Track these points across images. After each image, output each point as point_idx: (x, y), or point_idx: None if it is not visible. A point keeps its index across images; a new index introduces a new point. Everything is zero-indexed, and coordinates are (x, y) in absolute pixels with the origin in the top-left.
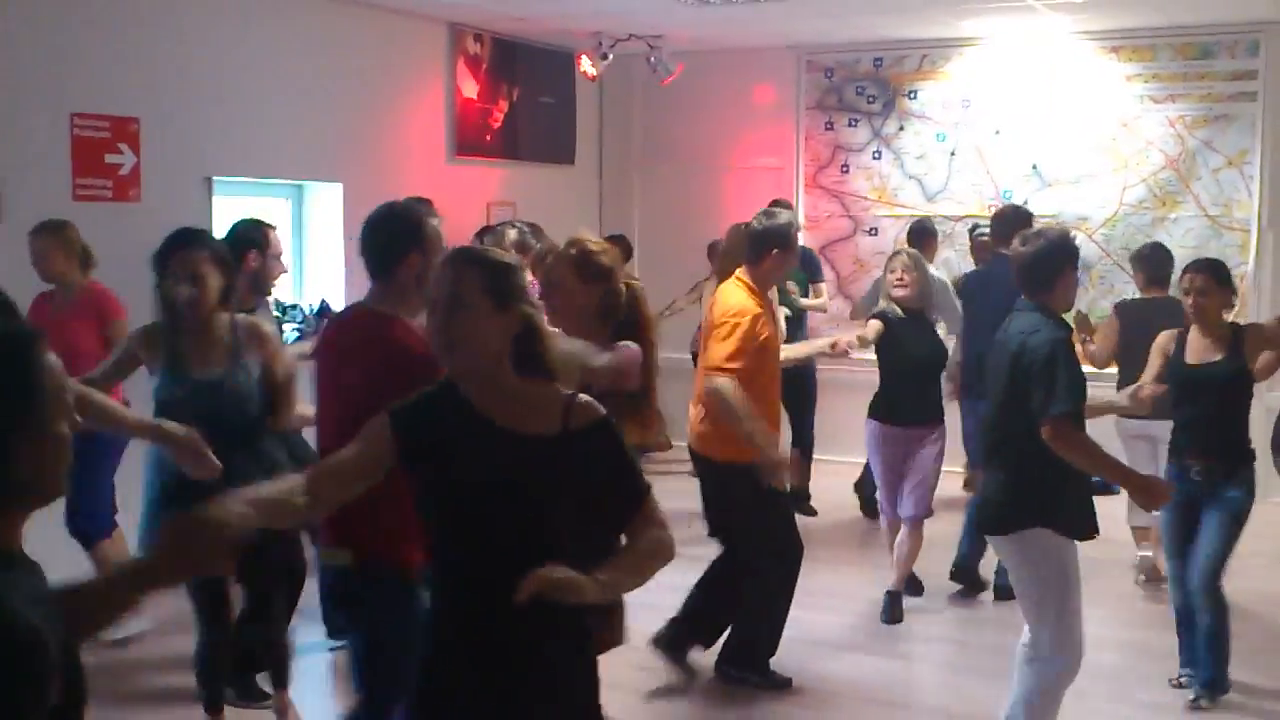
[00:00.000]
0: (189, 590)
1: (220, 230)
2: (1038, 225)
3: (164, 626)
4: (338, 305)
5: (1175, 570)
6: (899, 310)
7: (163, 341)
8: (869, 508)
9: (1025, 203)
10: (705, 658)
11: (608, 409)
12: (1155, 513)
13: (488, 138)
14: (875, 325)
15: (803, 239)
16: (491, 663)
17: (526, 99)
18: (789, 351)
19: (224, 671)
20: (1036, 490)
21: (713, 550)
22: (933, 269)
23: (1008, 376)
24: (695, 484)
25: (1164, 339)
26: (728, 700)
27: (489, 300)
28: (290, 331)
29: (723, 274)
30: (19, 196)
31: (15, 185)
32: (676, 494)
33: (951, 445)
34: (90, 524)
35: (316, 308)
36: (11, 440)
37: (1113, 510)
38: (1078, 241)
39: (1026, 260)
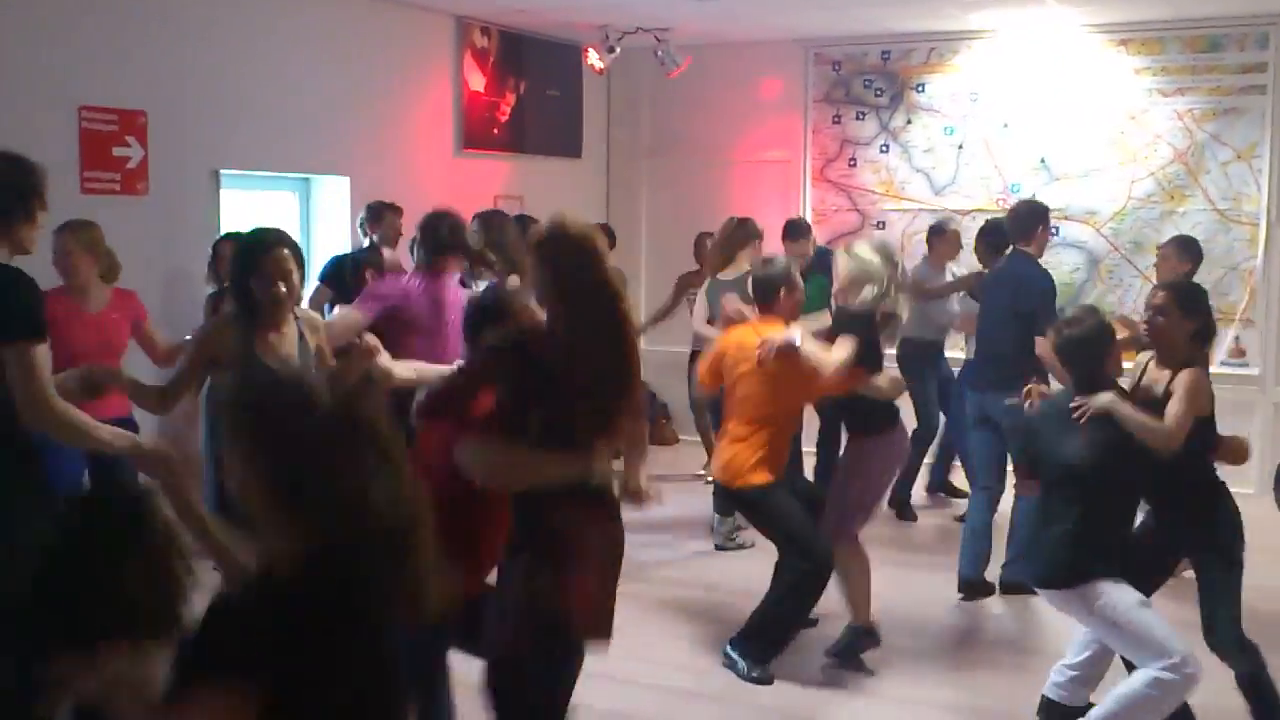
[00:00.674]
0: None
1: (228, 224)
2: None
3: None
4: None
5: None
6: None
7: (239, 337)
8: (903, 510)
9: (1034, 197)
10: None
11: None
12: None
13: (495, 131)
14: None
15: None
16: None
17: (534, 92)
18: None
19: None
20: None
21: None
22: (953, 268)
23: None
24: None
25: (1144, 356)
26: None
27: None
28: None
29: (715, 266)
30: None
31: None
32: (683, 504)
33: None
34: None
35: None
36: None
37: None
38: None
39: (1075, 342)
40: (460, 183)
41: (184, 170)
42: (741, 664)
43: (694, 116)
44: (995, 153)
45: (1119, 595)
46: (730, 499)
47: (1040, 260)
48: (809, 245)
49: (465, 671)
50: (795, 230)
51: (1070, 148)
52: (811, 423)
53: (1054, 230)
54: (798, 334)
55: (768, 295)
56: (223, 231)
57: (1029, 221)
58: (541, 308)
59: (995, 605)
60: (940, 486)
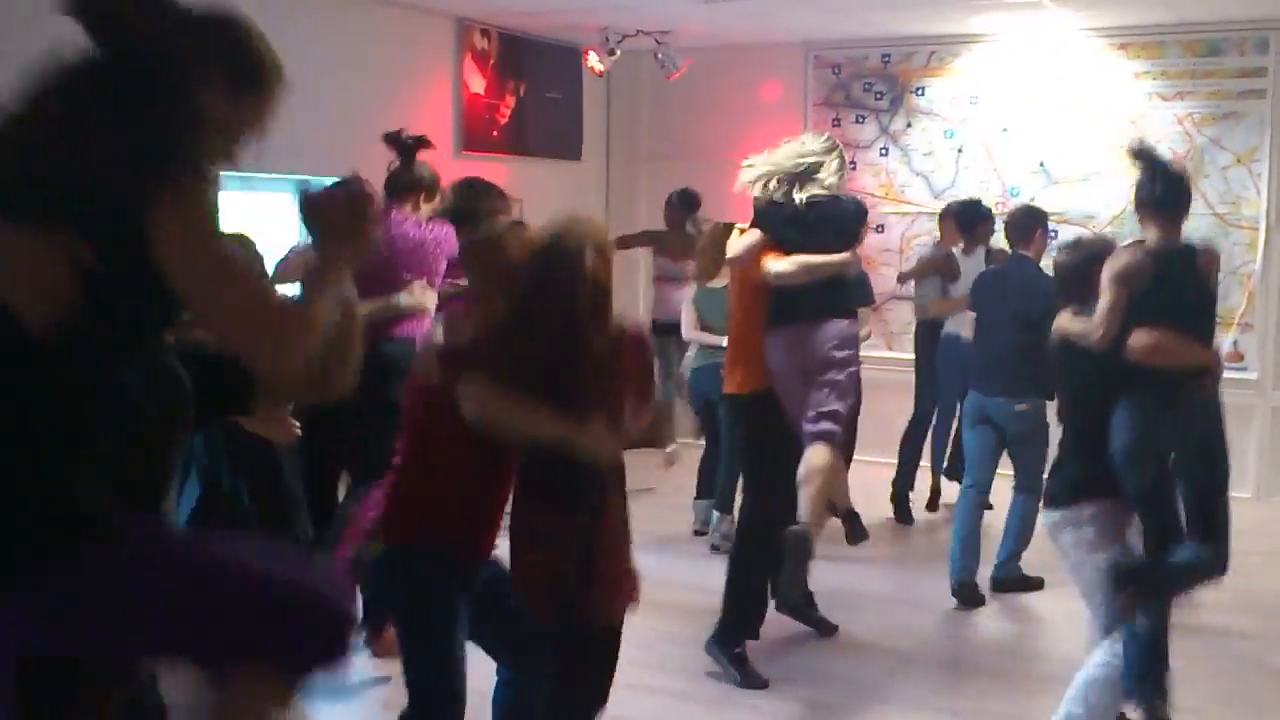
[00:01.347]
0: None
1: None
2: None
3: None
4: None
5: None
6: None
7: None
8: (902, 511)
9: (1033, 200)
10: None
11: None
12: None
13: (495, 133)
14: None
15: None
16: None
17: (534, 94)
18: None
19: None
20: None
21: None
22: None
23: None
24: None
25: None
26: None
27: None
28: None
29: (703, 273)
30: None
31: None
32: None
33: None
34: None
35: None
36: None
37: None
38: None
39: (1066, 268)
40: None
41: None
42: (732, 671)
43: (694, 119)
44: (995, 156)
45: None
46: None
47: (1040, 264)
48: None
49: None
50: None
51: (1070, 151)
52: None
53: (1053, 233)
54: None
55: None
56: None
57: (1027, 224)
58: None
59: (998, 609)
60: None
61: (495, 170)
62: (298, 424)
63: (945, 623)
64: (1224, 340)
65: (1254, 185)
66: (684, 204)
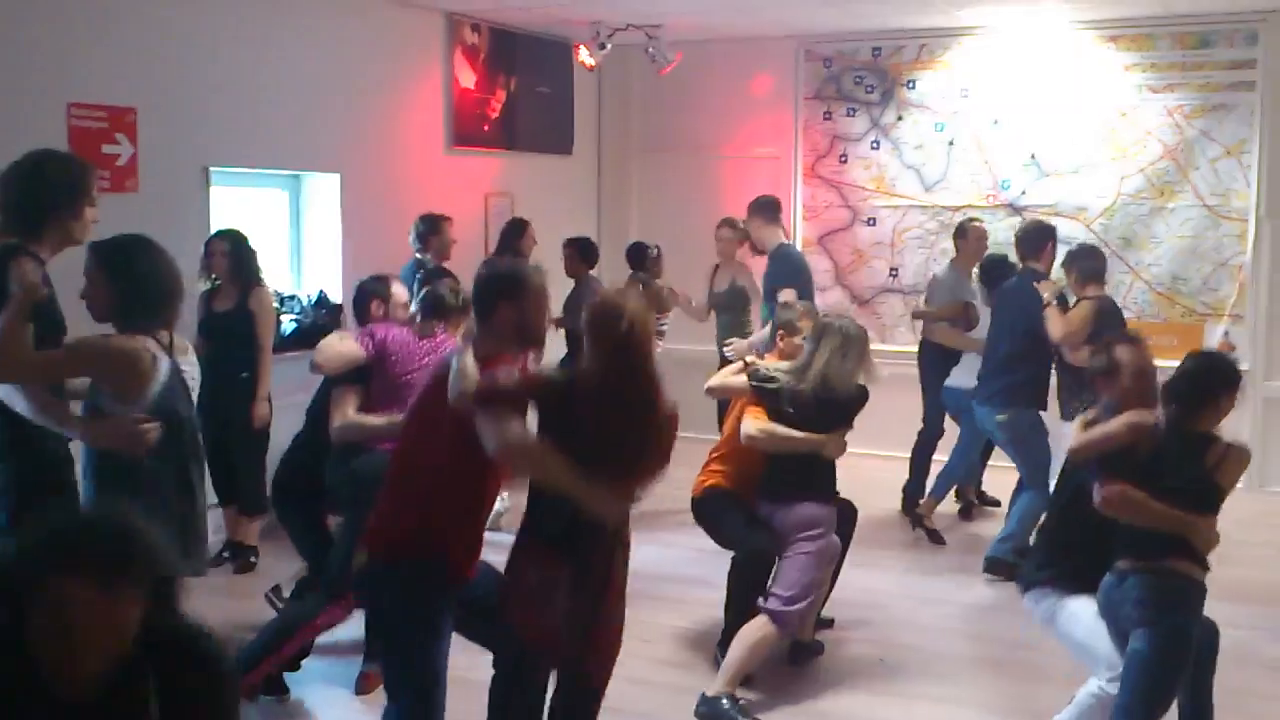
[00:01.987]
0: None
1: (219, 221)
2: (1036, 215)
3: None
4: (335, 296)
5: None
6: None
7: None
8: (909, 507)
9: (1024, 193)
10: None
11: None
12: None
13: (485, 128)
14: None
15: (801, 230)
16: None
17: (524, 89)
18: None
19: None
20: None
21: None
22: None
23: None
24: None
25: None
26: None
27: None
28: (289, 322)
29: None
30: None
31: None
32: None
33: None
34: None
35: (314, 298)
36: None
37: None
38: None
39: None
40: (451, 180)
41: (174, 167)
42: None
43: (685, 113)
44: (986, 149)
45: (1079, 605)
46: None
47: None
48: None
49: (465, 669)
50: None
51: (1060, 144)
52: None
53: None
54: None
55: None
56: (213, 229)
57: (1038, 239)
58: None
59: (994, 603)
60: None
61: (486, 165)
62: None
63: (944, 616)
64: (1216, 330)
65: (1243, 177)
66: (584, 255)
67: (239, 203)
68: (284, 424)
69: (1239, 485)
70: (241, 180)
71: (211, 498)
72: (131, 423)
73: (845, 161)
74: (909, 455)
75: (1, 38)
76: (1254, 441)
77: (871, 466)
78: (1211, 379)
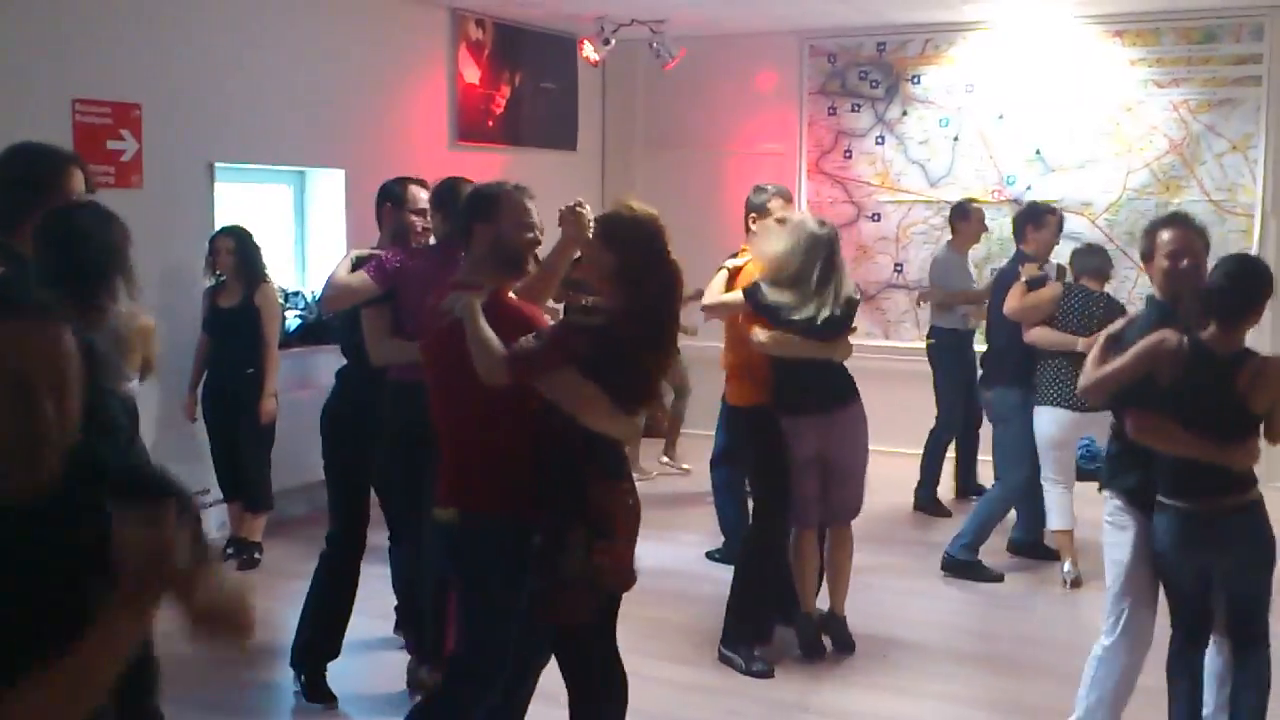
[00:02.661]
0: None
1: (223, 217)
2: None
3: None
4: None
5: None
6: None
7: None
8: (933, 508)
9: (1029, 188)
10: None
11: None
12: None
13: (490, 123)
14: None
15: None
16: None
17: (529, 84)
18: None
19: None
20: None
21: None
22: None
23: None
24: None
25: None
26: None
27: None
28: (293, 319)
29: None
30: None
31: None
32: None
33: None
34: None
35: (318, 295)
36: None
37: None
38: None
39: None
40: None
41: (178, 163)
42: (738, 659)
43: (689, 109)
44: (991, 144)
45: (1115, 536)
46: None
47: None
48: None
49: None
50: None
51: (1065, 139)
52: None
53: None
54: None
55: None
56: (218, 225)
57: (1020, 221)
58: (599, 282)
59: (991, 599)
60: (970, 489)
61: (490, 160)
62: None
63: (945, 612)
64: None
65: (1250, 172)
66: None
67: (244, 199)
68: (289, 419)
69: None
70: (246, 176)
71: (216, 493)
72: None
73: (850, 157)
74: (919, 452)
75: (6, 34)
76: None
77: (875, 462)
78: (1258, 282)
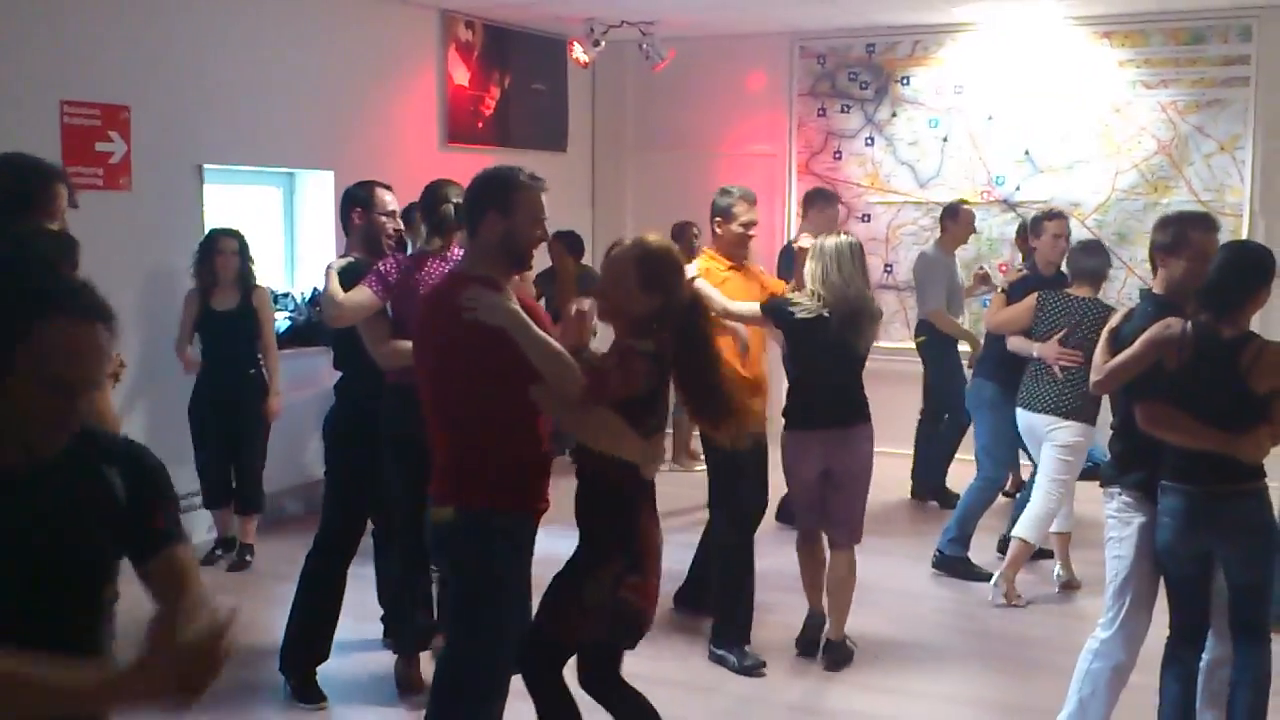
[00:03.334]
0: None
1: (212, 219)
2: (1031, 211)
3: None
4: None
5: None
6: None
7: None
8: (919, 490)
9: (1018, 189)
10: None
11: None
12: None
13: (480, 125)
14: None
15: (795, 226)
16: None
17: (518, 86)
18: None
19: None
20: None
21: None
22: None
23: None
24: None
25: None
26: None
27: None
28: (282, 320)
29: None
30: None
31: None
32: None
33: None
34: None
35: (308, 296)
36: None
37: None
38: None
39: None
40: (445, 177)
41: (167, 165)
42: (730, 658)
43: (679, 110)
44: (980, 145)
45: (1119, 531)
46: None
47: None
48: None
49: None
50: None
51: (1054, 140)
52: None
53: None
54: None
55: None
56: (208, 227)
57: (1020, 234)
58: (632, 321)
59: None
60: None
61: (480, 162)
62: None
63: (944, 611)
64: None
65: (1238, 172)
66: (572, 248)
67: (232, 200)
68: (282, 420)
69: None
70: (235, 178)
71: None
72: None
73: (840, 158)
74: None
75: None
76: None
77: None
78: (1257, 272)
